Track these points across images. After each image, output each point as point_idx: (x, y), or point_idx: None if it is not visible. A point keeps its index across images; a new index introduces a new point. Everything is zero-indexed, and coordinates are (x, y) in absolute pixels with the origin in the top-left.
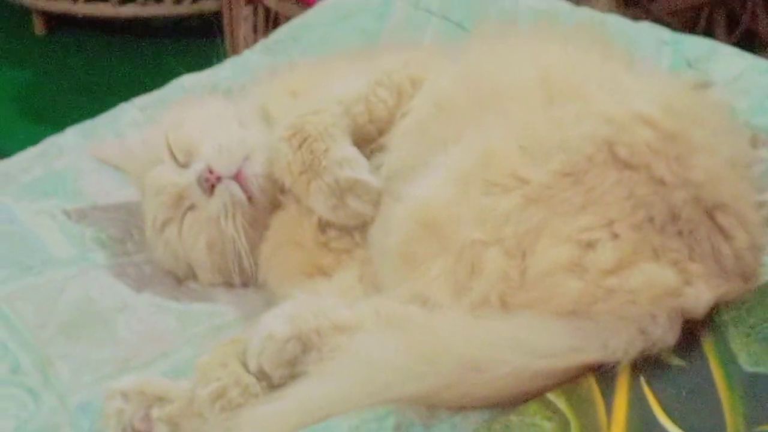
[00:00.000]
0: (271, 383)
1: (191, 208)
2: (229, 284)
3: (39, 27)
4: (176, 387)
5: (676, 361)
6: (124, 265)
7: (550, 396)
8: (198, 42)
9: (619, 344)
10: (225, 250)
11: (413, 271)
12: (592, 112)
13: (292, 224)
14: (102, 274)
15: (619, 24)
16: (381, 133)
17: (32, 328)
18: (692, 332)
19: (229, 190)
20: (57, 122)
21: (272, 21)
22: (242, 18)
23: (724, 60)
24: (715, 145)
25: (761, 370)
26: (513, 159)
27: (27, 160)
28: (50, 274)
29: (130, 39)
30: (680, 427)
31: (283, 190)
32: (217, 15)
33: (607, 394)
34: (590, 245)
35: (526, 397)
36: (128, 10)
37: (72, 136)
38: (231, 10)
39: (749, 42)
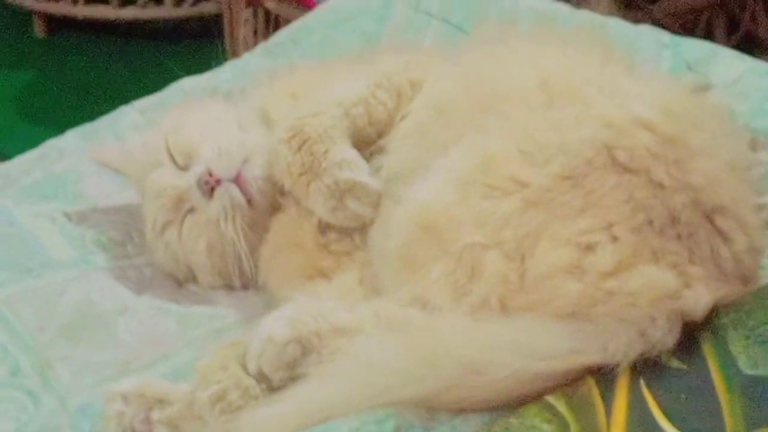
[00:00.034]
0: (271, 386)
1: (191, 210)
2: (229, 287)
3: (39, 29)
4: (176, 389)
5: (676, 364)
6: (125, 268)
7: (550, 398)
8: (198, 44)
9: (618, 346)
10: (225, 252)
11: (413, 273)
12: (591, 115)
13: (292, 226)
14: (102, 277)
15: (619, 26)
16: (380, 135)
17: (32, 331)
18: (692, 335)
19: (228, 192)
20: (57, 124)
21: (272, 23)
22: (242, 20)
23: (723, 63)
24: (714, 148)
25: (760, 372)
26: (512, 162)
27: (27, 162)
28: (50, 276)
29: (130, 41)
30: (680, 429)
31: (282, 193)
32: (217, 17)
33: (607, 396)
34: (589, 248)
35: (525, 399)
36: (128, 13)
37: (72, 138)
38: (231, 12)
39: (749, 45)
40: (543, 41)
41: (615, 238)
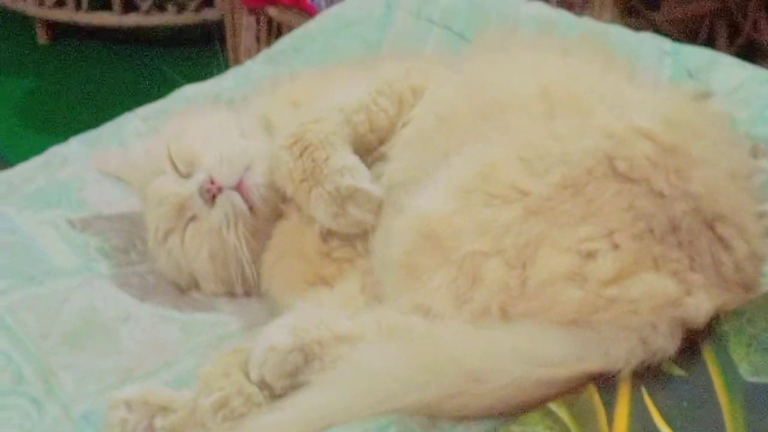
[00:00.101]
0: (273, 393)
1: (193, 218)
2: (231, 294)
3: (42, 36)
4: (179, 396)
5: (677, 371)
6: (128, 275)
7: (552, 406)
8: (200, 51)
9: (620, 353)
10: (227, 260)
11: (415, 281)
12: (592, 125)
13: (294, 234)
14: (105, 284)
15: (620, 34)
16: (382, 142)
17: (35, 338)
18: (693, 342)
19: (230, 200)
20: (60, 131)
21: (274, 30)
22: (244, 27)
23: (724, 70)
24: (715, 157)
25: (762, 379)
26: (514, 171)
27: (30, 170)
28: (53, 284)
29: (132, 48)
30: None
31: (284, 200)
32: (220, 24)
33: (609, 403)
34: (590, 255)
35: (527, 406)
36: (131, 20)
37: (76, 145)
38: (233, 19)
39: (750, 52)
40: (544, 49)
41: (616, 246)
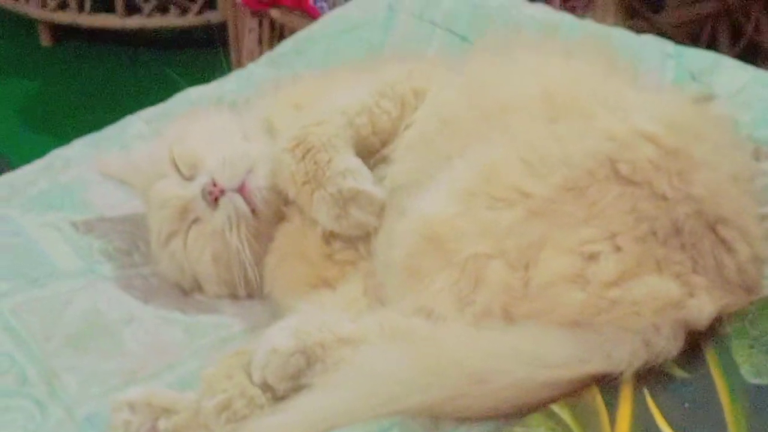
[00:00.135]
0: (275, 395)
1: (196, 221)
2: (234, 296)
3: (45, 38)
4: (182, 398)
5: (680, 373)
6: (131, 277)
7: (555, 407)
8: (203, 53)
9: (622, 355)
10: (230, 262)
11: (417, 283)
12: (594, 128)
13: (296, 236)
14: (109, 286)
15: (623, 36)
16: (384, 144)
17: (39, 340)
18: (695, 344)
19: (233, 202)
20: (62, 133)
21: (277, 33)
22: (247, 30)
23: (727, 73)
24: (717, 160)
25: (764, 381)
26: (516, 173)
27: (33, 172)
28: (56, 286)
29: (135, 50)
30: None
31: (287, 202)
32: (222, 27)
33: (611, 405)
34: (592, 257)
35: (530, 408)
36: (134, 22)
37: (79, 148)
38: (236, 21)
39: (753, 54)
40: (547, 51)
41: (618, 248)
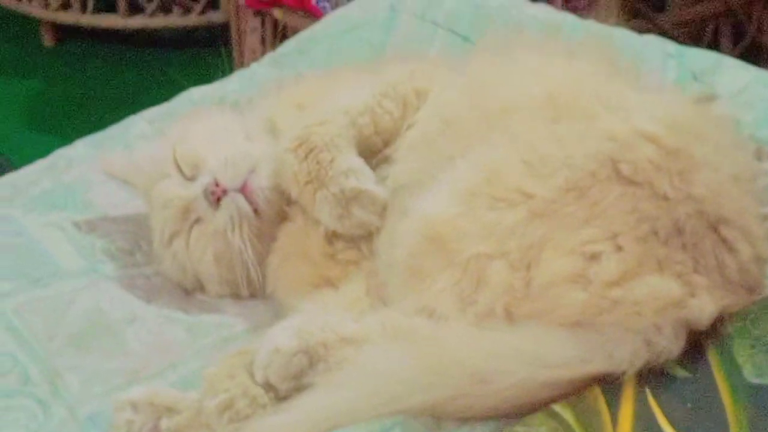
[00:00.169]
0: (278, 395)
1: (198, 221)
2: (237, 296)
3: (47, 38)
4: (185, 398)
5: (681, 373)
6: (134, 277)
7: (556, 407)
8: (205, 53)
9: (624, 355)
10: (232, 262)
11: (420, 283)
12: (596, 129)
13: (299, 236)
14: (111, 286)
15: (625, 36)
16: (386, 144)
17: (42, 340)
18: (697, 343)
19: (235, 202)
20: (65, 133)
21: (280, 32)
22: (250, 29)
23: (729, 73)
24: (718, 160)
25: (766, 381)
26: (518, 175)
27: (36, 172)
28: (59, 285)
29: (138, 50)
30: None
31: (289, 202)
32: (225, 26)
33: (613, 405)
34: (594, 257)
35: (532, 408)
36: (136, 22)
37: (81, 148)
38: (239, 21)
39: (755, 54)
40: (549, 52)
41: (620, 248)
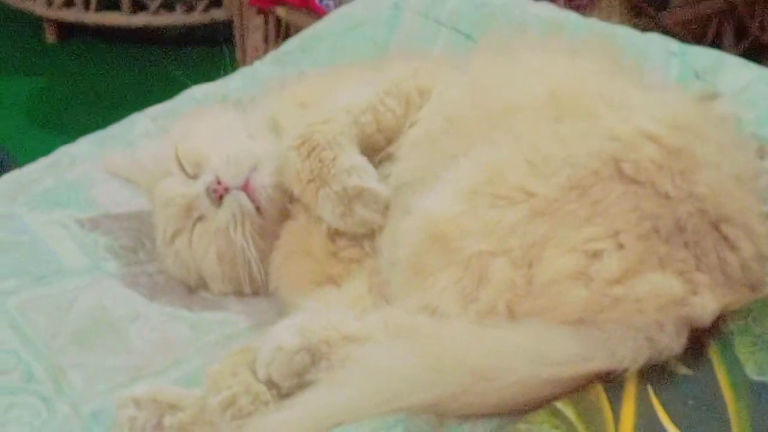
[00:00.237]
0: (280, 392)
1: (200, 219)
2: (239, 293)
3: (50, 36)
4: (188, 395)
5: (683, 370)
6: (137, 275)
7: (558, 404)
8: (208, 51)
9: (626, 352)
10: (235, 260)
11: (422, 282)
12: (599, 128)
13: (301, 234)
14: (115, 284)
15: (627, 35)
16: (389, 142)
17: (45, 338)
18: (699, 341)
19: (237, 200)
20: (68, 130)
21: (283, 31)
22: (253, 28)
23: (731, 71)
24: (719, 159)
25: (767, 378)
26: (520, 174)
27: (38, 170)
28: (62, 283)
29: (141, 48)
30: None
31: (292, 200)
32: (228, 24)
33: (615, 402)
34: (596, 255)
35: (534, 405)
36: (140, 19)
37: (84, 145)
38: (242, 19)
39: (757, 52)
40: (552, 50)
41: (621, 246)
